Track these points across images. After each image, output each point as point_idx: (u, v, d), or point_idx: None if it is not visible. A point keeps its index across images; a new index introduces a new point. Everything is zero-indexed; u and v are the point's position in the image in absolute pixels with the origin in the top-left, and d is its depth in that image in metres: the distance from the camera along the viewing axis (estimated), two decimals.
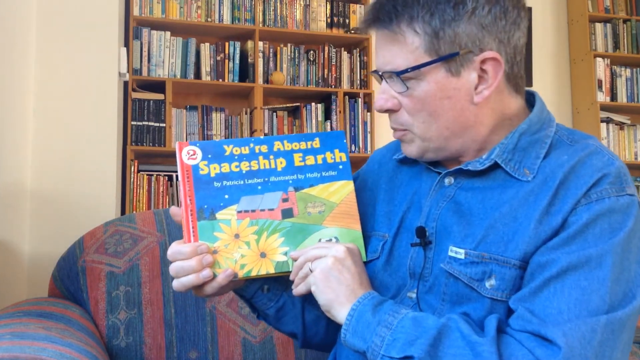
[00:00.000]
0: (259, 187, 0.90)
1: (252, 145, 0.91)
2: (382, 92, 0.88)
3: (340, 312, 0.82)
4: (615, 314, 0.73)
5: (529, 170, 0.83)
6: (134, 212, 3.03)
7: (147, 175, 3.11)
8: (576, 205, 0.78)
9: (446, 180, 0.90)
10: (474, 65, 0.83)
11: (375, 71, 0.89)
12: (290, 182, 0.91)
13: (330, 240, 0.89)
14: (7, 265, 1.65)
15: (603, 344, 0.72)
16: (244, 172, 0.90)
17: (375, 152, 1.09)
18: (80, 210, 1.84)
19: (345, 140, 0.95)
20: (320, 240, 0.89)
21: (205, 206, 0.88)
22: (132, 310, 1.25)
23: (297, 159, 0.92)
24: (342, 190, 0.92)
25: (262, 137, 0.94)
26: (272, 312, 0.98)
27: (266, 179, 0.90)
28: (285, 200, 0.90)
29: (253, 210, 0.89)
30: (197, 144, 0.90)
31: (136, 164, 3.10)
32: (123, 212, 2.91)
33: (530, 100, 0.91)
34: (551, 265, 0.76)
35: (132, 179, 3.04)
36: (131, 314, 1.25)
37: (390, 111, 0.88)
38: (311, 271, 0.84)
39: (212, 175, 0.89)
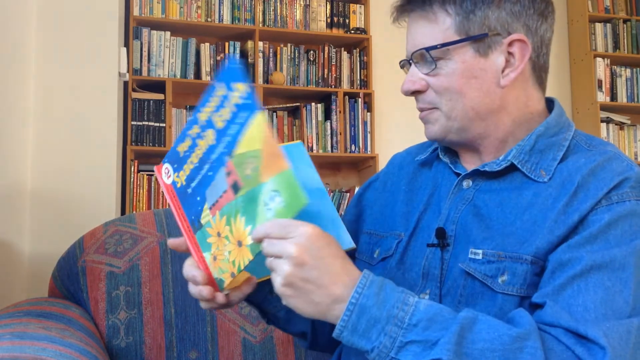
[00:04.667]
0: (210, 173, 0.81)
1: (188, 133, 0.84)
2: (410, 76, 0.90)
3: (330, 317, 0.74)
4: None
5: (546, 171, 0.84)
6: (134, 212, 3.03)
7: (147, 175, 3.11)
8: (596, 206, 0.78)
9: (464, 183, 0.91)
10: (502, 48, 0.86)
11: (404, 60, 0.92)
12: (224, 150, 0.80)
13: (273, 200, 0.76)
14: (7, 265, 1.65)
15: (636, 345, 0.72)
16: (196, 164, 0.82)
17: (395, 155, 1.10)
18: (80, 210, 1.84)
19: (241, 71, 0.78)
20: (266, 205, 0.76)
21: (193, 217, 0.83)
22: (132, 310, 1.25)
23: (218, 121, 0.80)
24: (257, 130, 0.77)
25: (190, 118, 0.85)
26: (283, 314, 0.96)
27: (210, 160, 0.81)
28: (228, 173, 0.80)
29: (217, 201, 0.81)
30: (165, 160, 0.86)
31: (136, 164, 3.10)
32: (123, 212, 2.91)
33: (551, 107, 0.93)
34: (574, 263, 0.76)
35: (132, 179, 3.05)
36: (131, 314, 1.25)
37: (417, 93, 0.90)
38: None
39: (184, 183, 0.84)
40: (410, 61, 0.90)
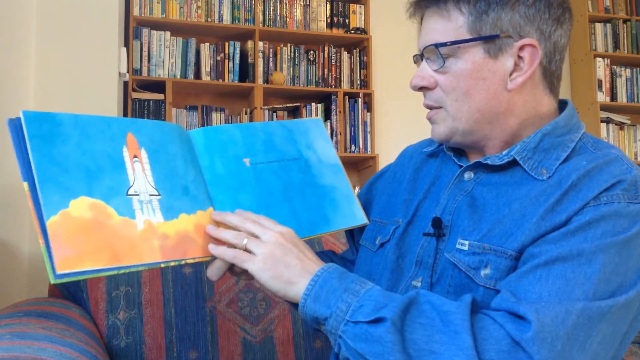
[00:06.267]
0: None
1: None
2: (420, 71, 0.90)
3: (296, 289, 0.80)
4: (594, 302, 0.72)
5: (547, 170, 0.84)
6: None
7: None
8: (584, 207, 0.77)
9: (466, 175, 0.91)
10: (512, 51, 0.85)
11: (417, 54, 0.92)
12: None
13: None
14: (7, 265, 1.65)
15: (577, 327, 0.70)
16: None
17: (407, 147, 1.11)
18: None
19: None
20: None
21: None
22: (132, 310, 1.25)
23: None
24: None
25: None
26: None
27: None
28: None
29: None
30: None
31: None
32: None
33: (564, 108, 0.92)
34: (542, 254, 0.75)
35: None
36: (131, 314, 1.25)
37: (424, 89, 0.91)
38: (248, 250, 0.83)
39: None
40: (422, 56, 0.90)
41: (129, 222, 0.79)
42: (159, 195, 0.84)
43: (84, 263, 0.73)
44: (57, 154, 0.77)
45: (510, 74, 0.85)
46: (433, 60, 0.88)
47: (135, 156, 0.84)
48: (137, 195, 0.82)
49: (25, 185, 0.74)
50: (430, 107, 0.92)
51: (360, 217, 1.02)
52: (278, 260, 0.81)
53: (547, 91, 0.89)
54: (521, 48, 0.85)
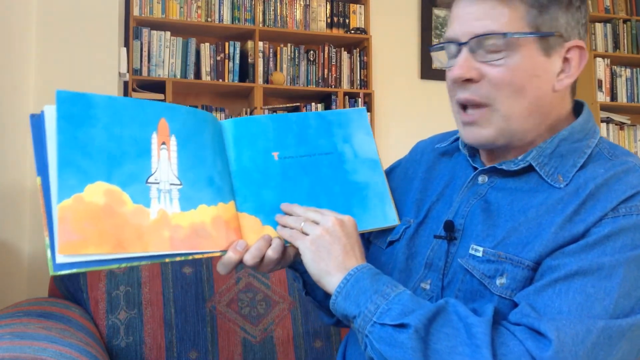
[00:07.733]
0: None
1: None
2: (464, 61, 0.82)
3: (331, 281, 0.82)
4: (615, 321, 0.72)
5: (563, 177, 0.82)
6: None
7: None
8: (603, 218, 0.76)
9: (480, 178, 0.90)
10: (562, 52, 0.83)
11: (446, 42, 0.86)
12: None
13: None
14: (7, 265, 1.65)
15: (597, 346, 0.70)
16: None
17: (418, 142, 1.09)
18: None
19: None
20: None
21: None
22: (132, 310, 1.25)
23: None
24: None
25: None
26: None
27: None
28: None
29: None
30: None
31: None
32: None
33: (578, 109, 0.90)
34: (561, 267, 0.75)
35: None
36: (131, 314, 1.25)
37: (468, 82, 0.83)
38: (304, 233, 0.85)
39: None
40: (463, 45, 0.83)
41: (142, 210, 0.78)
42: (180, 185, 0.82)
43: (88, 248, 0.72)
44: (82, 136, 0.77)
45: (558, 75, 0.84)
46: (483, 51, 0.82)
47: (163, 143, 0.83)
48: (157, 183, 0.80)
49: (38, 179, 0.74)
50: (472, 104, 0.84)
51: (391, 218, 0.97)
52: (323, 246, 0.83)
53: (570, 93, 0.88)
54: (568, 50, 0.83)
